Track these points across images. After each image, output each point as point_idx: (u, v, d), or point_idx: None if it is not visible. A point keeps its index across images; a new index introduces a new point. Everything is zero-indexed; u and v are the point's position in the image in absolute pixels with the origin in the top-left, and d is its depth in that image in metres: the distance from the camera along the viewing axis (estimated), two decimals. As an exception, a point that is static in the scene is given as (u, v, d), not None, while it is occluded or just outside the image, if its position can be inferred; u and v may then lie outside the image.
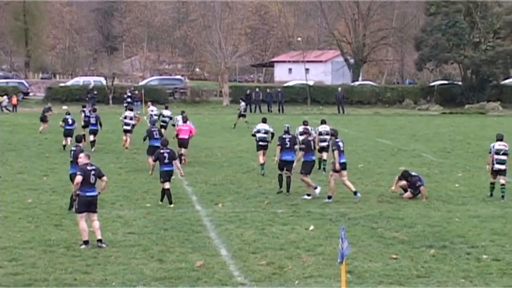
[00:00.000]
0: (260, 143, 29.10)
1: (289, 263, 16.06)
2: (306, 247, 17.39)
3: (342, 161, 23.17)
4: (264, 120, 29.82)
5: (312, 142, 24.58)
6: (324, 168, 29.56)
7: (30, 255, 16.51)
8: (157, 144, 25.60)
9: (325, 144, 29.20)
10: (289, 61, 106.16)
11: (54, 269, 15.46)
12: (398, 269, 15.62)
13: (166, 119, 42.52)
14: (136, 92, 70.87)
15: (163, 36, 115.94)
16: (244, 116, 51.65)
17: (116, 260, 16.22)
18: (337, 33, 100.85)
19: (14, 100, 67.94)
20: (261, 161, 29.00)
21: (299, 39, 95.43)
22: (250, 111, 64.74)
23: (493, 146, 24.25)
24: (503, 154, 24.16)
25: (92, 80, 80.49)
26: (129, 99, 68.04)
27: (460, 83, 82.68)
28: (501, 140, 24.54)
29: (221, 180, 27.24)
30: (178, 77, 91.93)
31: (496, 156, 24.11)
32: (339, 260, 12.10)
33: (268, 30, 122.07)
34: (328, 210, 21.84)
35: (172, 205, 22.13)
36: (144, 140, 30.32)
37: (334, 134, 24.09)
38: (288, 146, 24.57)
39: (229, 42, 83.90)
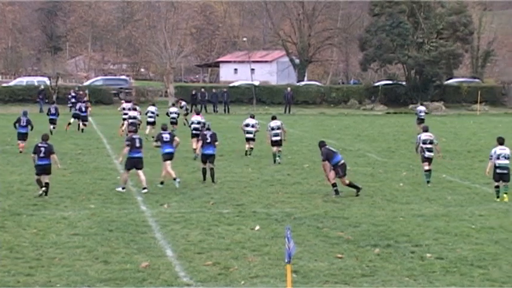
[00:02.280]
0: (247, 135, 34.66)
1: (235, 263, 16.05)
2: (251, 247, 17.40)
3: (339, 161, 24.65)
4: (252, 116, 34.89)
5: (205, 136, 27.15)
6: (275, 160, 32.50)
7: (-28, 258, 16.28)
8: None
9: (278, 138, 32.54)
10: (234, 61, 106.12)
11: (-3, 272, 15.28)
12: (343, 268, 15.71)
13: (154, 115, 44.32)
14: (81, 92, 70.30)
15: (108, 36, 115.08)
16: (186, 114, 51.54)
17: (60, 261, 16.06)
18: (283, 34, 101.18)
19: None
20: (246, 147, 34.88)
21: (244, 39, 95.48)
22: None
23: (495, 152, 24.27)
24: (504, 158, 24.17)
25: (36, 81, 79.52)
26: (73, 100, 67.44)
27: (404, 83, 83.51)
28: (502, 144, 24.61)
29: (166, 181, 27.12)
30: (123, 77, 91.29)
31: (497, 161, 24.08)
32: (286, 260, 12.14)
33: (213, 30, 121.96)
34: (274, 210, 21.89)
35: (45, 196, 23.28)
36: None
37: (320, 145, 25.28)
38: (208, 141, 26.88)
39: (174, 42, 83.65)
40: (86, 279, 14.82)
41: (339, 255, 16.70)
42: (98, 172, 29.17)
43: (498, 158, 24.12)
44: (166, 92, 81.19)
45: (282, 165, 31.86)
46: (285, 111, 70.34)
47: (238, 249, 17.25)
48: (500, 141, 24.64)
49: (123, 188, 24.86)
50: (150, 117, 44.29)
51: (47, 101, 68.98)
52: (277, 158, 32.60)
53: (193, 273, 15.34)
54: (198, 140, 29.65)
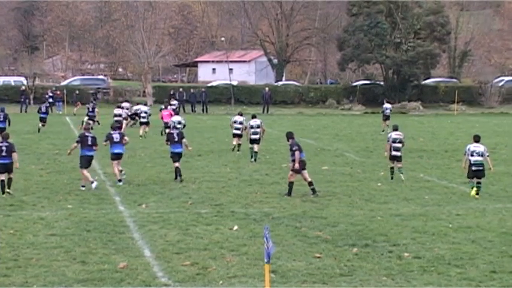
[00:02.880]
0: (235, 131, 35.97)
1: (213, 263, 16.04)
2: (230, 247, 17.40)
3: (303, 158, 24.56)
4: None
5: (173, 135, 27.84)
6: (255, 159, 33.12)
7: (-51, 259, 16.18)
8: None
9: (256, 136, 33.38)
10: (212, 61, 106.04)
11: (-26, 273, 15.19)
12: (321, 268, 15.73)
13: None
14: (58, 92, 70.04)
15: (86, 35, 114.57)
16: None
17: (37, 262, 15.98)
18: (261, 33, 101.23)
19: None
20: (233, 141, 36.32)
21: (222, 39, 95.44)
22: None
23: (469, 149, 24.96)
24: (478, 155, 24.82)
25: (12, 80, 79.19)
26: (50, 100, 67.25)
27: (381, 83, 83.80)
28: (478, 141, 25.20)
29: (144, 181, 27.10)
30: (101, 77, 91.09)
31: (471, 158, 24.78)
32: (265, 260, 12.15)
33: (191, 30, 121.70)
34: (252, 210, 21.89)
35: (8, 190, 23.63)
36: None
37: (290, 136, 24.92)
38: (176, 140, 27.52)
39: (152, 42, 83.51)
40: (63, 280, 14.76)
41: (317, 255, 16.72)
42: (76, 172, 29.00)
43: (472, 155, 24.73)
44: (144, 91, 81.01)
45: (260, 165, 31.88)
46: (263, 111, 70.35)
47: (217, 249, 17.24)
48: (476, 139, 25.19)
49: (92, 183, 25.07)
50: (143, 117, 45.13)
51: (27, 100, 69.04)
52: (252, 160, 33.24)
53: (171, 273, 15.31)
54: (238, 137, 34.35)
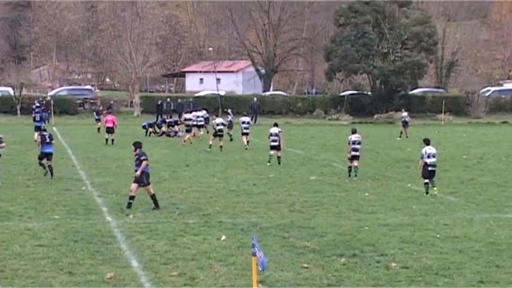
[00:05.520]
0: (244, 130, 41.38)
1: (200, 273, 16.02)
2: (217, 257, 17.38)
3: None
4: (276, 124, 37.25)
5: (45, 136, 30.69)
6: (280, 162, 35.98)
7: None
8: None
9: (275, 143, 35.74)
10: (200, 71, 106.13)
11: (-40, 284, 15.13)
12: (309, 278, 15.73)
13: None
14: (45, 102, 69.87)
15: (73, 45, 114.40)
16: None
17: (24, 273, 15.92)
18: (248, 44, 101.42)
19: None
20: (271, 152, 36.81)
21: (210, 49, 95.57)
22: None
23: (425, 151, 27.12)
24: (433, 157, 27.20)
25: (9, 91, 78.91)
26: (38, 110, 67.08)
27: (369, 93, 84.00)
28: (429, 144, 27.48)
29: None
30: (88, 87, 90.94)
31: (428, 160, 27.06)
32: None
33: (179, 40, 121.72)
34: (240, 220, 21.88)
35: None
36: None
37: (138, 146, 24.17)
38: (47, 141, 30.28)
39: (139, 52, 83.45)
40: (50, 291, 14.72)
41: (305, 265, 16.72)
42: (63, 183, 28.98)
43: (428, 157, 27.04)
44: (131, 102, 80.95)
45: (247, 175, 31.89)
46: (252, 121, 70.30)
47: (204, 259, 17.22)
48: (427, 142, 27.55)
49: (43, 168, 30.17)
50: (200, 121, 50.11)
51: (4, 111, 69.30)
52: (269, 163, 35.68)
53: (158, 284, 15.28)
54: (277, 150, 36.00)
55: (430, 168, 27.04)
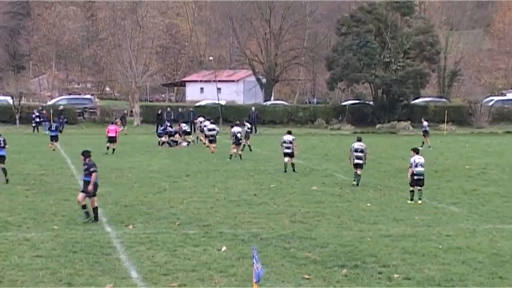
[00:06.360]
0: (285, 150, 37.32)
1: (201, 284, 16.00)
2: (218, 268, 17.36)
3: None
4: (289, 132, 37.77)
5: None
6: (294, 169, 36.93)
7: None
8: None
9: (289, 150, 36.66)
10: (200, 80, 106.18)
11: (-42, 295, 15.10)
12: (310, 289, 15.71)
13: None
14: (44, 111, 69.96)
15: (72, 55, 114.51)
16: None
17: (22, 284, 15.91)
18: (249, 53, 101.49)
19: None
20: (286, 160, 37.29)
21: (211, 58, 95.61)
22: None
23: (414, 160, 27.82)
24: (421, 166, 27.90)
25: (8, 100, 79.00)
26: (37, 119, 67.30)
27: (371, 102, 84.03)
28: (418, 153, 28.21)
29: (132, 201, 27.03)
30: (88, 96, 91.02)
31: (415, 169, 27.75)
32: (255, 280, 12.13)
33: (179, 49, 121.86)
34: (241, 231, 21.86)
35: None
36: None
37: (87, 155, 23.66)
38: (2, 145, 32.25)
39: (139, 61, 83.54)
40: (49, 302, 14.70)
41: (307, 276, 16.70)
42: (62, 193, 28.97)
43: (416, 166, 27.79)
44: (131, 111, 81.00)
45: (248, 185, 31.86)
46: (251, 131, 70.26)
47: (205, 270, 17.20)
48: (416, 151, 28.31)
49: None
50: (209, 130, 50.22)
51: (3, 120, 69.52)
52: (285, 171, 36.79)
53: (158, 295, 15.26)
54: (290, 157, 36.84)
55: (416, 177, 27.80)
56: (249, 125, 52.26)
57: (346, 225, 23.02)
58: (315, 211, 25.28)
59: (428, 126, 57.00)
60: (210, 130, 48.91)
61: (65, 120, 70.20)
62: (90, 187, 22.85)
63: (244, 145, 47.22)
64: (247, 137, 49.13)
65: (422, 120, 58.97)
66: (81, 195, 23.18)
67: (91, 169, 23.03)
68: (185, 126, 53.69)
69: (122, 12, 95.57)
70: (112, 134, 46.59)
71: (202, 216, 24.34)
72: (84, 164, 23.36)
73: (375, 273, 17.05)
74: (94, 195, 23.12)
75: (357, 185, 31.94)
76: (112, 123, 50.80)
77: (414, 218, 24.51)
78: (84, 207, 23.13)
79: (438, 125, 78.52)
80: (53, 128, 49.85)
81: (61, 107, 73.46)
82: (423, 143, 54.25)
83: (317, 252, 19.07)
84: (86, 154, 23.61)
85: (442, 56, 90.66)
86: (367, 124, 78.99)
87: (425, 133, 55.87)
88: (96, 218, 23.03)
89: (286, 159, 37.00)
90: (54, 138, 48.99)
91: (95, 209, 23.19)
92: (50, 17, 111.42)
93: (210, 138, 48.34)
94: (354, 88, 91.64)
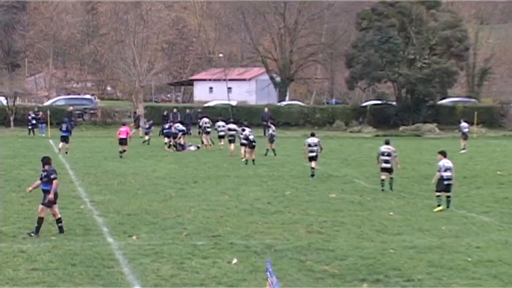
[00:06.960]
0: (310, 154, 37.63)
1: (210, 300, 16.02)
2: (228, 282, 17.37)
3: None
4: (313, 134, 38.80)
5: None
6: (313, 174, 36.99)
7: None
8: None
9: (313, 154, 37.33)
10: (210, 79, 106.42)
11: None
12: (328, 305, 15.72)
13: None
14: (41, 113, 70.15)
15: (71, 51, 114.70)
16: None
17: (17, 299, 15.98)
18: (262, 49, 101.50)
19: None
20: (313, 165, 37.54)
21: (221, 55, 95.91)
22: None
23: (443, 165, 28.19)
24: (450, 170, 28.27)
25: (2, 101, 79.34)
26: (33, 121, 67.51)
27: (394, 103, 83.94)
28: (446, 156, 28.58)
29: (135, 210, 27.07)
30: (88, 96, 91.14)
31: (444, 174, 28.08)
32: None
33: (186, 45, 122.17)
34: (253, 242, 21.86)
35: None
36: None
37: (47, 162, 23.32)
38: None
39: (144, 58, 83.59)
40: (46, 319, 14.74)
41: (324, 291, 16.71)
42: (60, 200, 28.98)
43: (445, 171, 28.18)
44: (135, 112, 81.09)
45: (261, 193, 31.87)
46: (265, 133, 70.34)
47: (214, 284, 17.22)
48: (444, 154, 28.66)
49: None
50: (222, 131, 53.37)
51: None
52: (310, 177, 36.96)
53: (164, 311, 15.28)
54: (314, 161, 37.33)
55: (446, 182, 28.15)
56: (273, 127, 52.11)
57: (367, 236, 23.01)
58: (333, 220, 25.26)
59: (467, 128, 57.64)
60: (230, 130, 50.69)
61: (74, 122, 70.26)
62: (51, 195, 22.56)
63: (267, 149, 48.48)
64: (271, 140, 49.31)
65: (462, 121, 59.21)
66: (41, 207, 22.74)
67: (51, 176, 22.75)
68: (179, 126, 53.61)
69: (124, 5, 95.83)
70: (123, 136, 47.31)
71: (211, 226, 24.36)
72: (44, 171, 23.03)
73: (399, 288, 17.05)
74: (54, 203, 22.77)
75: (390, 188, 32.71)
76: (123, 124, 51.22)
77: (441, 228, 24.47)
78: (40, 221, 22.61)
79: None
80: (63, 128, 50.18)
81: (70, 108, 73.60)
82: (464, 146, 54.86)
83: (335, 265, 19.07)
84: (46, 160, 23.30)
85: (471, 52, 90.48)
86: (389, 126, 78.85)
87: (464, 135, 56.36)
88: (61, 230, 22.76)
89: (313, 163, 37.44)
90: (64, 139, 49.33)
91: (59, 220, 22.89)
92: (47, 11, 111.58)
93: (230, 138, 49.81)
94: (376, 87, 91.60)
